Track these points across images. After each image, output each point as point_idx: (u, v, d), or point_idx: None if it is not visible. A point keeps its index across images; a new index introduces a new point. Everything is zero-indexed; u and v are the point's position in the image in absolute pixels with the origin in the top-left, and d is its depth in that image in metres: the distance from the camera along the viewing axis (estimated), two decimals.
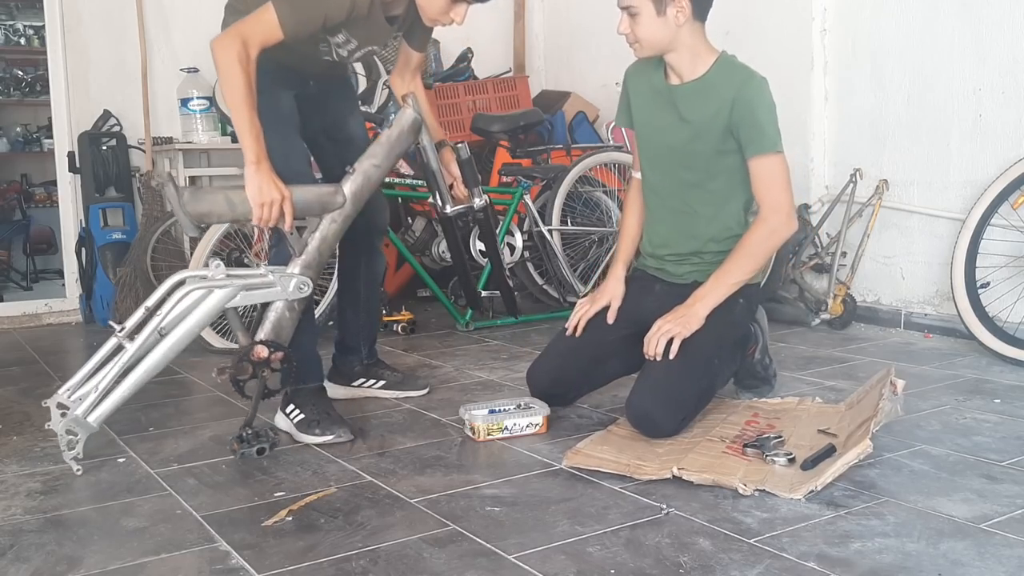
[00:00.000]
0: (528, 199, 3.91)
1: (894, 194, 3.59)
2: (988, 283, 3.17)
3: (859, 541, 1.61)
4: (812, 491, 1.81)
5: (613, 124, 4.41)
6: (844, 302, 3.57)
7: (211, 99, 4.52)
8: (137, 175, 4.42)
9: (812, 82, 3.76)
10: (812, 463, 1.94)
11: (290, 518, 1.79)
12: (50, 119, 4.61)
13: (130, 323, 2.05)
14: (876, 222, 3.58)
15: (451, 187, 2.60)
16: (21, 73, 6.09)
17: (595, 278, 4.00)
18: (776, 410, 2.40)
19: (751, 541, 1.62)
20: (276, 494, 1.92)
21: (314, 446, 2.23)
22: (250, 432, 2.14)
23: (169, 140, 4.43)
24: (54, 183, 4.76)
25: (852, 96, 3.71)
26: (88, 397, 2.03)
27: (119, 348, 2.06)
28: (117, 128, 4.39)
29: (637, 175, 2.52)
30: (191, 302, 2.06)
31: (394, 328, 3.74)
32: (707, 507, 1.78)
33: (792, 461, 1.98)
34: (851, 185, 3.62)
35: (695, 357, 2.19)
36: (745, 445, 2.07)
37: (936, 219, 3.46)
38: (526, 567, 1.54)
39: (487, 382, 2.90)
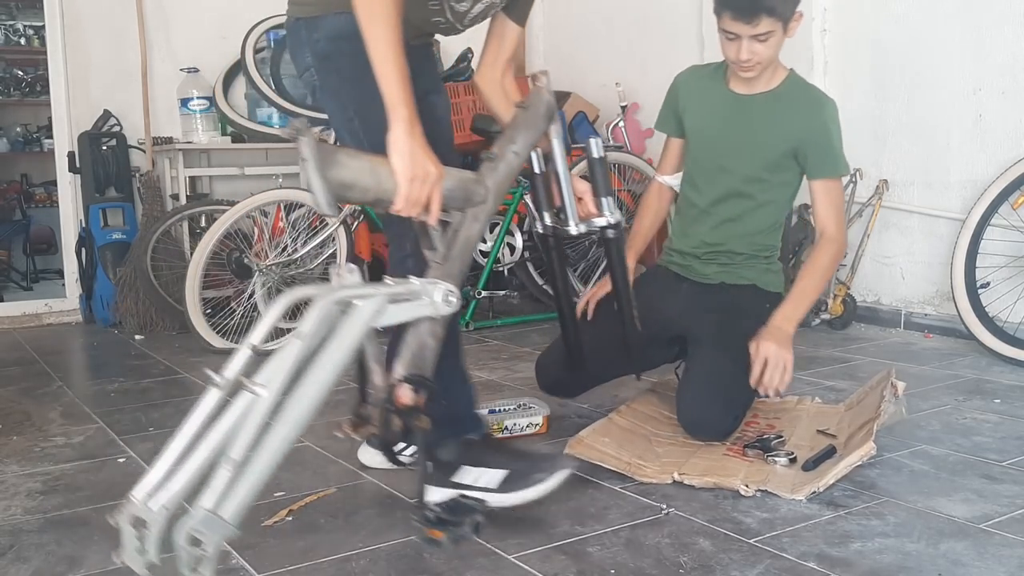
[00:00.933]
0: (528, 199, 3.90)
1: (894, 194, 3.59)
2: (988, 283, 3.17)
3: (859, 541, 1.61)
4: (815, 492, 1.81)
5: (614, 125, 4.41)
6: (844, 302, 3.57)
7: (211, 99, 4.52)
8: (137, 175, 4.42)
9: (812, 82, 3.74)
10: (813, 464, 1.94)
11: (290, 518, 1.79)
12: (50, 119, 4.62)
13: (234, 368, 1.38)
14: (876, 222, 3.58)
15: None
16: (21, 73, 6.09)
17: (595, 278, 4.00)
18: (775, 410, 2.40)
19: (751, 541, 1.62)
20: (276, 494, 1.92)
21: (314, 446, 2.23)
22: (438, 508, 1.51)
23: (169, 140, 4.43)
24: (54, 183, 4.76)
25: (852, 96, 3.70)
26: (217, 479, 1.29)
27: (223, 402, 1.37)
28: (117, 128, 4.39)
29: (661, 179, 2.49)
30: (316, 320, 1.44)
31: None
32: (707, 507, 1.78)
33: (794, 461, 1.99)
34: (851, 185, 3.62)
35: (744, 356, 2.16)
36: (746, 446, 2.07)
37: (936, 219, 3.46)
38: (526, 567, 1.54)
39: (487, 382, 2.90)
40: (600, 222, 1.94)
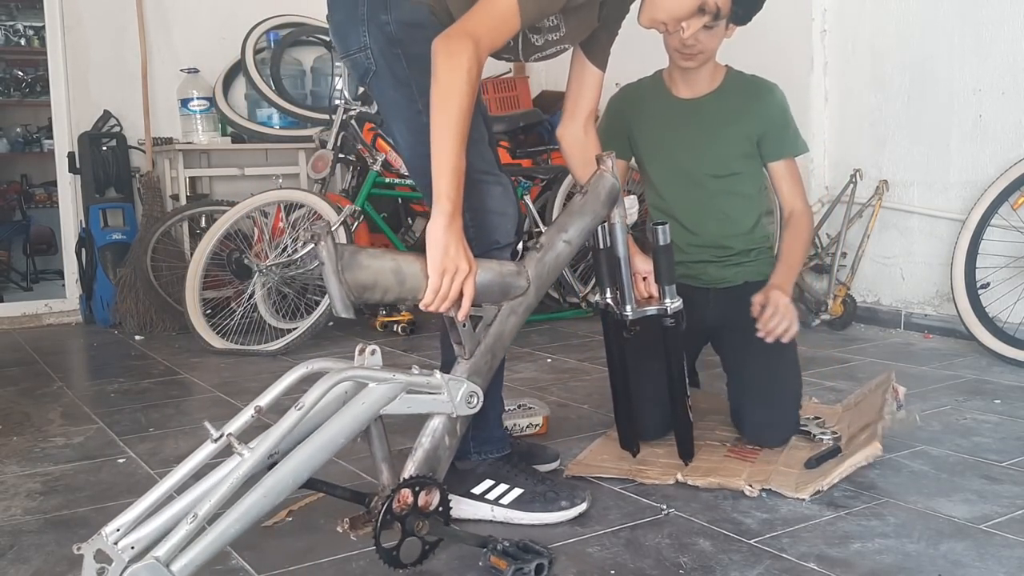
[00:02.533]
0: (528, 199, 3.90)
1: (894, 194, 3.59)
2: (988, 283, 3.17)
3: (859, 542, 1.61)
4: (818, 491, 1.82)
5: None
6: (844, 303, 3.57)
7: (211, 99, 4.53)
8: (137, 175, 4.42)
9: (812, 82, 3.76)
10: (816, 462, 1.95)
11: (290, 518, 1.79)
12: (50, 119, 4.62)
13: (235, 425, 1.37)
14: (876, 222, 3.58)
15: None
16: (21, 73, 6.10)
17: (595, 279, 4.00)
18: None
19: (751, 542, 1.62)
20: None
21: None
22: (508, 544, 1.52)
23: (169, 140, 4.43)
24: (54, 183, 4.77)
25: (852, 96, 3.71)
26: (176, 534, 1.28)
27: (226, 457, 1.37)
28: (117, 128, 4.40)
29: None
30: (332, 398, 1.45)
31: (394, 328, 3.74)
32: (707, 508, 1.78)
33: (838, 439, 2.06)
34: (851, 185, 3.62)
35: (787, 358, 2.16)
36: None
37: (936, 219, 3.46)
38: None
39: None
40: (650, 310, 1.88)
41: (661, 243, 1.88)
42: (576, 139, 1.95)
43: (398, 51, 1.62)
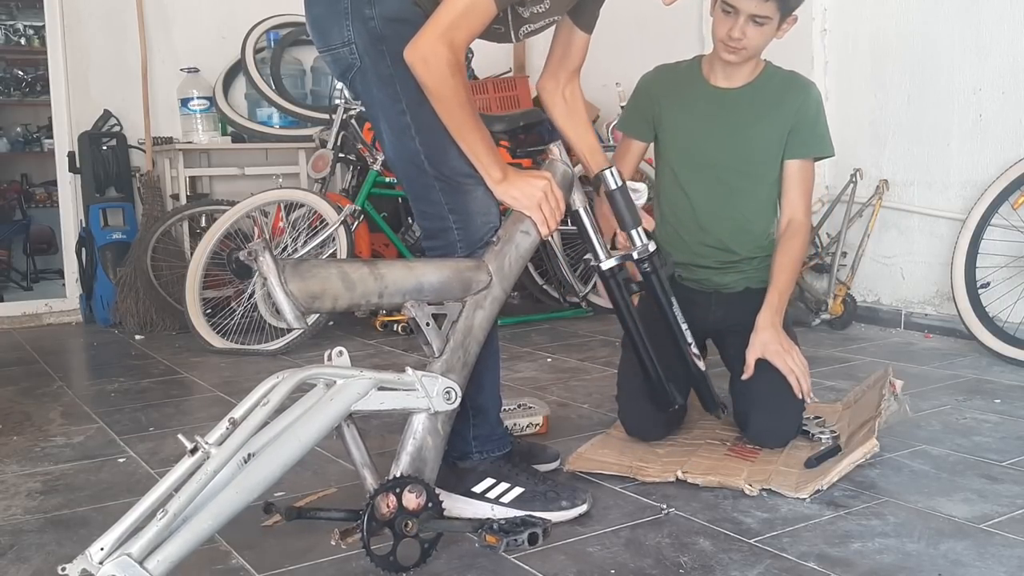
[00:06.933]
0: None
1: (894, 194, 3.59)
2: (988, 283, 3.17)
3: (859, 541, 1.61)
4: (819, 490, 1.82)
5: (614, 125, 4.40)
6: (844, 302, 3.57)
7: (211, 99, 4.53)
8: (137, 175, 4.42)
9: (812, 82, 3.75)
10: (816, 461, 1.95)
11: None
12: (50, 119, 4.62)
13: (212, 436, 1.37)
14: (876, 222, 3.58)
15: (613, 236, 2.02)
16: (21, 73, 6.10)
17: (595, 279, 4.00)
18: None
19: (751, 541, 1.62)
20: (276, 494, 1.92)
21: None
22: (503, 521, 1.51)
23: (169, 140, 4.44)
24: (54, 183, 4.77)
25: (852, 96, 3.71)
26: (148, 531, 1.28)
27: (197, 465, 1.36)
28: (117, 128, 4.40)
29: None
30: (309, 403, 1.48)
31: (394, 328, 3.74)
32: (707, 507, 1.78)
33: (836, 438, 2.06)
34: (851, 185, 3.62)
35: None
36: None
37: (936, 219, 3.46)
38: (526, 567, 1.54)
39: None
40: (605, 263, 1.87)
41: (611, 186, 1.88)
42: (556, 92, 2.02)
43: (382, 48, 1.61)
